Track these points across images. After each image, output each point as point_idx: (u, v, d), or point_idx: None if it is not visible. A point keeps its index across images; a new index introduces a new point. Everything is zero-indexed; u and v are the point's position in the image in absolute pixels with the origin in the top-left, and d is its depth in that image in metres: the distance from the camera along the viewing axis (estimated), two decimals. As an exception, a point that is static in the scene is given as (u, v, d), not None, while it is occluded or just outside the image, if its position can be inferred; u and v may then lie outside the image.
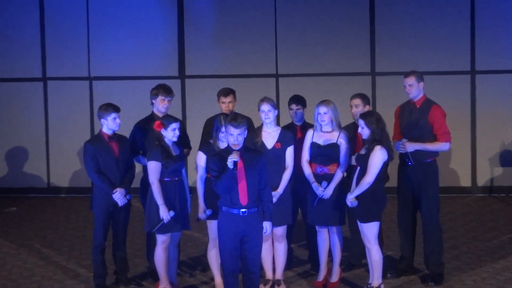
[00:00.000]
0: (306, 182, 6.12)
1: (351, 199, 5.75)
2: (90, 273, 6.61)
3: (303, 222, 6.62)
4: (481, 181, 10.30)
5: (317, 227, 6.21)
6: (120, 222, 6.22)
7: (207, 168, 5.77)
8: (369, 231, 5.74)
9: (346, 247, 6.63)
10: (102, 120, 6.09)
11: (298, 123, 6.60)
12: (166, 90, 6.41)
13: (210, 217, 5.94)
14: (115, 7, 10.42)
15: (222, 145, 5.76)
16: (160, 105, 6.43)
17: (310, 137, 6.11)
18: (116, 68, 10.44)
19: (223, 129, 5.72)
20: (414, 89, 6.30)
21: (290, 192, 6.12)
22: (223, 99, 6.64)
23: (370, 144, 5.69)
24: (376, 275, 5.79)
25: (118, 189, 6.05)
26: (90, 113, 10.56)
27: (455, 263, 6.84)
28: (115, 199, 6.05)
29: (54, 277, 6.71)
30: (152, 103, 6.51)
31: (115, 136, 6.14)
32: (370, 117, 5.71)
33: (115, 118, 6.06)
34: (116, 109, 6.07)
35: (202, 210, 5.95)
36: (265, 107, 6.06)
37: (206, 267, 6.60)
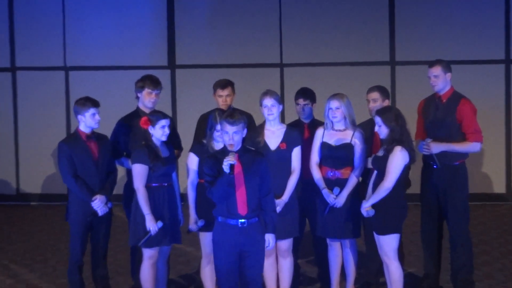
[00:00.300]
0: (315, 189, 6.14)
1: (366, 207, 5.75)
2: (66, 294, 6.61)
3: (312, 234, 6.60)
4: (517, 187, 10.31)
5: (328, 240, 6.24)
6: (101, 235, 6.23)
7: (200, 172, 5.84)
8: (388, 244, 5.74)
9: (362, 263, 6.61)
10: (79, 116, 6.08)
11: (306, 120, 6.59)
12: (153, 82, 6.42)
13: (202, 229, 5.96)
14: (95, -14, 10.46)
15: (218, 145, 5.78)
16: (147, 99, 6.45)
17: (320, 136, 6.12)
18: (96, 57, 10.45)
19: (218, 127, 5.72)
20: (440, 81, 6.30)
21: (296, 200, 6.13)
22: (220, 92, 6.66)
23: (389, 144, 5.68)
24: (396, 296, 5.79)
25: (98, 196, 6.06)
26: (65, 108, 10.57)
27: (488, 282, 6.80)
28: (94, 207, 6.06)
29: (24, 298, 6.74)
30: (138, 97, 6.53)
31: (94, 135, 6.14)
32: (388, 113, 5.70)
33: (94, 114, 6.05)
34: (95, 103, 6.06)
35: (193, 221, 5.97)
36: (268, 101, 6.06)
37: (199, 287, 6.55)
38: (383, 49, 10.21)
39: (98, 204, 6.05)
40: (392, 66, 10.23)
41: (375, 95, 6.45)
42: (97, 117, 6.07)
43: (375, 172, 5.84)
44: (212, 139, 5.85)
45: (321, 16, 10.28)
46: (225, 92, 6.64)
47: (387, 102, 6.48)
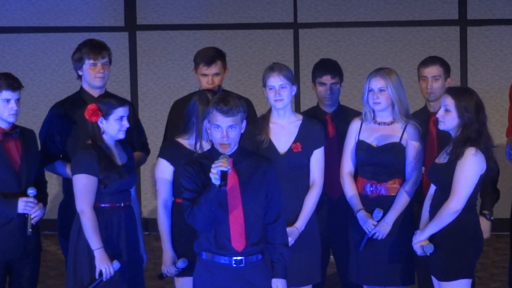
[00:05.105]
0: (346, 211, 6.16)
1: (421, 241, 5.69)
2: None
3: (340, 279, 6.68)
4: None
5: (365, 288, 6.19)
6: (24, 279, 6.12)
7: (176, 187, 5.80)
8: (454, 295, 5.77)
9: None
10: (-10, 103, 6.05)
11: (330, 109, 6.60)
12: (94, 48, 6.40)
13: (184, 272, 5.92)
14: None
15: (207, 146, 5.79)
16: (92, 76, 6.43)
17: (355, 132, 6.15)
18: (19, 14, 10.36)
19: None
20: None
21: (317, 229, 6.15)
22: (203, 69, 6.64)
23: (460, 146, 5.59)
24: None
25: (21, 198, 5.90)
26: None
27: None
28: (21, 210, 5.85)
29: None
30: (80, 77, 6.52)
31: (15, 132, 6.04)
32: (468, 97, 5.61)
33: (7, 101, 5.92)
34: (12, 84, 5.92)
35: (170, 261, 5.95)
36: (276, 81, 6.04)
37: None
38: (450, 3, 10.15)
39: (24, 205, 5.85)
40: (462, 26, 10.17)
41: (436, 70, 6.43)
42: (12, 105, 5.90)
43: (434, 187, 5.81)
44: (201, 136, 5.88)
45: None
46: (211, 70, 6.65)
47: (449, 82, 6.48)
